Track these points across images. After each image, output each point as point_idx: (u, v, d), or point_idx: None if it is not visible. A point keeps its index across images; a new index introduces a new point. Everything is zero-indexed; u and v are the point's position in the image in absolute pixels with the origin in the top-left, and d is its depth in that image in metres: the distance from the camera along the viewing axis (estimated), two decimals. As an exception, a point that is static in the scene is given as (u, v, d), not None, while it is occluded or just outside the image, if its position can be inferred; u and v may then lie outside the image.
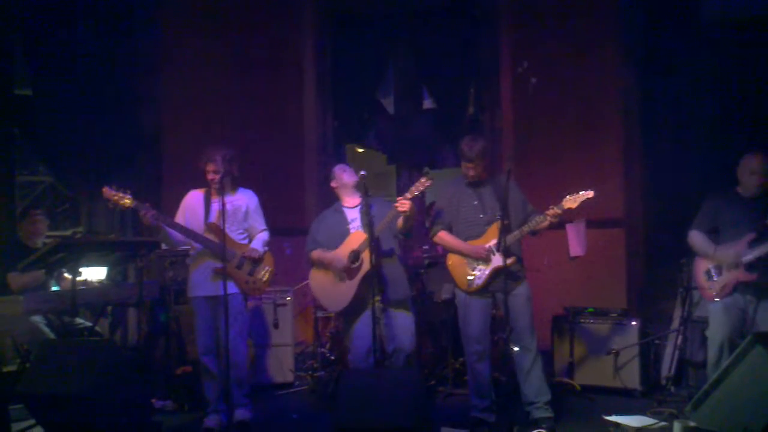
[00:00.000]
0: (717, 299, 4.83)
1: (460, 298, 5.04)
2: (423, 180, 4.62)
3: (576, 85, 7.19)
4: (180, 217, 5.10)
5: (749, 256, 4.69)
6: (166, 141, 7.39)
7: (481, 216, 4.86)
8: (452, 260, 5.01)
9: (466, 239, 4.92)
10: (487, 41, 7.55)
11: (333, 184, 5.28)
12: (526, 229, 4.79)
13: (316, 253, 5.12)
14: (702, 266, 4.94)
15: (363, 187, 4.85)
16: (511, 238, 4.76)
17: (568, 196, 4.67)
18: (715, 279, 4.84)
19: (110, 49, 6.96)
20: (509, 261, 4.70)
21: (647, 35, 6.86)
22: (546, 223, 4.75)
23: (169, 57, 7.37)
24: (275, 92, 7.63)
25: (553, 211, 4.67)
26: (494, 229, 4.80)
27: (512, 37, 7.43)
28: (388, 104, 7.80)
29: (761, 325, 4.72)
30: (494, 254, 4.77)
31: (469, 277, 4.90)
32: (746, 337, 4.67)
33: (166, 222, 4.89)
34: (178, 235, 4.99)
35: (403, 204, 4.61)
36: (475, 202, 4.91)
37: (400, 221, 4.80)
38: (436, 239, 5.10)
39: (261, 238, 5.17)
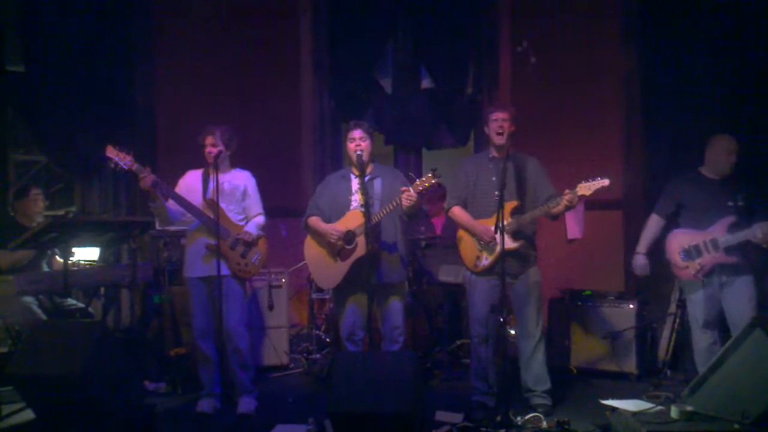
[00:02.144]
0: (689, 279, 4.88)
1: (467, 277, 4.97)
2: (430, 176, 4.50)
3: (576, 65, 7.14)
4: None
5: (729, 241, 4.72)
6: (160, 120, 7.30)
7: (496, 193, 4.57)
8: (462, 238, 4.91)
9: (478, 216, 4.80)
10: (487, 20, 7.48)
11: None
12: (537, 213, 4.67)
13: (314, 221, 4.97)
14: (676, 244, 4.92)
15: (360, 167, 4.76)
16: (522, 220, 4.68)
17: (583, 182, 4.51)
18: (694, 260, 4.84)
19: (104, 24, 6.83)
20: (516, 244, 4.64)
21: (647, 14, 6.77)
22: (561, 208, 4.59)
23: (164, 34, 7.27)
24: (271, 71, 7.55)
25: (569, 196, 4.50)
26: (507, 209, 4.67)
27: (512, 16, 7.36)
28: (386, 84, 7.69)
29: (727, 306, 4.79)
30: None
31: (477, 258, 4.82)
32: (720, 315, 4.85)
33: (163, 190, 4.74)
34: (173, 210, 4.87)
35: (410, 198, 4.50)
36: (493, 178, 4.74)
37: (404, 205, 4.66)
38: (449, 214, 5.00)
39: (256, 221, 5.07)
